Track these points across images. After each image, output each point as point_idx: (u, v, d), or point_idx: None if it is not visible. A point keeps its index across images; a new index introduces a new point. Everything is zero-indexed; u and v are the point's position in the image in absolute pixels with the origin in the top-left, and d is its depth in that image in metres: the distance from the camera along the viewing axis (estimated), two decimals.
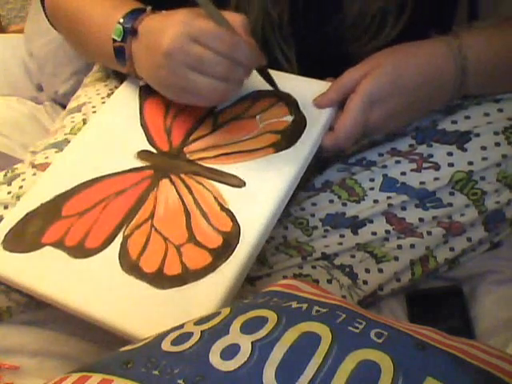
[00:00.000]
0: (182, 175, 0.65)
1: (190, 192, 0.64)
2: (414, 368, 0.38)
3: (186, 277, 0.57)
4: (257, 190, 0.62)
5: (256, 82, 0.70)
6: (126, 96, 0.74)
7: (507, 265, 0.72)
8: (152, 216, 0.62)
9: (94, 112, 0.79)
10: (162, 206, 0.63)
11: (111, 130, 0.71)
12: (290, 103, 0.69)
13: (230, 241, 0.59)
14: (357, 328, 0.41)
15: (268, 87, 0.69)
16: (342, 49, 0.73)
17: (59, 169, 0.69)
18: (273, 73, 0.70)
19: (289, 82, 0.70)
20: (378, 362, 0.38)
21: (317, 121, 0.66)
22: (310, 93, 0.68)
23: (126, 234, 0.61)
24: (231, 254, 0.58)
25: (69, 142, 0.75)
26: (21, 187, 0.72)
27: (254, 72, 0.71)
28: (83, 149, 0.70)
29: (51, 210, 0.65)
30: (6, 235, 0.63)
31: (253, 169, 0.64)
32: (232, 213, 0.61)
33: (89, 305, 0.57)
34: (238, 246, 0.59)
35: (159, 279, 0.58)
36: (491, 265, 0.72)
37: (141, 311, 0.56)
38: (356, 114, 0.64)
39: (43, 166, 0.72)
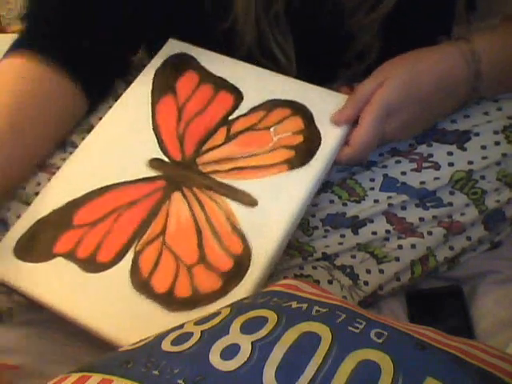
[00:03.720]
0: (195, 189, 0.65)
1: (202, 208, 0.63)
2: (414, 368, 0.38)
3: (196, 300, 0.57)
4: (269, 210, 0.62)
5: (270, 89, 0.70)
6: (138, 96, 0.73)
7: (507, 265, 0.72)
8: (164, 231, 0.62)
9: (96, 112, 0.78)
10: (174, 221, 0.63)
11: (122, 134, 0.70)
12: (306, 116, 0.68)
13: (241, 264, 0.58)
14: (357, 328, 0.41)
15: (282, 97, 0.69)
16: (339, 24, 0.71)
17: (70, 174, 0.68)
18: (289, 80, 0.70)
19: (303, 92, 0.69)
20: (378, 362, 0.38)
21: (332, 137, 0.66)
22: (325, 105, 0.68)
23: (137, 249, 0.61)
24: (242, 279, 0.58)
25: (71, 141, 0.75)
26: (23, 188, 0.71)
27: (269, 78, 0.71)
28: (94, 153, 0.69)
29: (63, 218, 0.64)
30: (17, 242, 0.63)
31: (266, 187, 0.64)
32: (243, 234, 0.61)
33: (98, 321, 0.57)
34: (249, 270, 0.58)
35: (169, 300, 0.57)
36: (491, 265, 0.72)
37: (149, 332, 0.56)
38: (372, 126, 0.63)
39: (45, 167, 0.72)
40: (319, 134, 0.66)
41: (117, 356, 0.44)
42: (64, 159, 0.73)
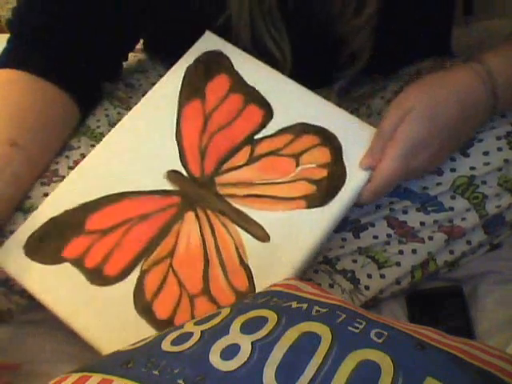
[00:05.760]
0: (209, 212, 0.63)
1: (213, 235, 0.62)
2: (414, 368, 0.38)
3: None
4: (279, 249, 0.60)
5: (303, 110, 0.67)
6: (165, 94, 0.70)
7: (507, 265, 0.72)
8: (172, 253, 0.61)
9: (94, 114, 0.78)
10: (184, 244, 0.62)
11: (143, 138, 0.68)
12: (335, 149, 0.65)
13: None
14: (357, 328, 0.41)
15: (314, 121, 0.66)
16: (329, 28, 0.71)
17: (86, 173, 0.66)
18: (324, 103, 0.68)
19: (336, 120, 0.67)
20: (378, 362, 0.38)
21: (356, 178, 0.63)
22: (356, 138, 0.65)
23: (143, 267, 0.60)
24: None
25: (68, 144, 0.74)
26: None
27: (305, 97, 0.68)
28: (113, 154, 0.67)
29: (75, 221, 0.63)
30: (28, 239, 0.63)
31: (280, 222, 0.62)
32: (250, 270, 0.60)
33: (96, 334, 0.58)
34: None
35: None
36: (491, 265, 0.72)
37: None
38: (396, 162, 0.61)
39: None
40: (345, 171, 0.64)
41: (117, 356, 0.44)
42: (58, 162, 0.72)
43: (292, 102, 0.68)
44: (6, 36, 0.73)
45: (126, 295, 0.59)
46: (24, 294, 0.68)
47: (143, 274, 0.60)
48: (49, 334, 0.68)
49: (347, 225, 0.69)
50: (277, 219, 0.62)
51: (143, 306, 0.58)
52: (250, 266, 0.60)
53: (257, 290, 0.58)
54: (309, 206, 0.62)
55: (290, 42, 0.72)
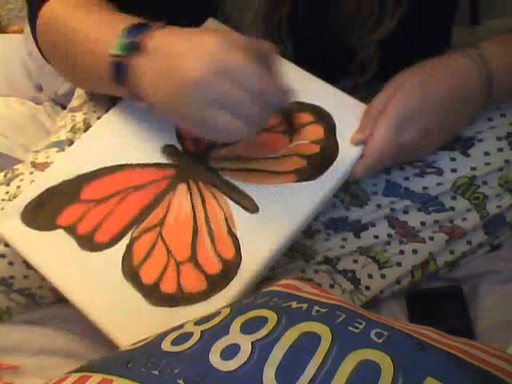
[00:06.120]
0: (200, 183, 0.64)
1: (203, 205, 0.63)
2: (414, 368, 0.38)
3: (179, 298, 0.57)
4: (267, 220, 0.61)
5: (299, 92, 0.65)
6: None
7: (507, 265, 0.72)
8: (162, 222, 0.62)
9: (95, 111, 0.79)
10: (174, 213, 0.63)
11: (142, 114, 0.68)
12: (328, 126, 0.65)
13: (228, 271, 0.58)
14: (357, 328, 0.41)
15: (310, 100, 0.66)
16: (340, 42, 0.71)
17: (85, 146, 0.68)
18: (319, 82, 0.68)
19: (331, 98, 0.67)
20: (378, 362, 0.38)
21: (348, 155, 0.63)
22: (350, 116, 0.65)
23: (134, 235, 0.61)
24: (225, 287, 0.57)
25: (70, 140, 0.75)
26: (18, 187, 0.71)
27: (301, 77, 0.68)
28: (112, 130, 0.69)
29: (71, 190, 0.65)
30: (25, 207, 0.64)
31: (270, 195, 0.62)
32: (237, 240, 0.60)
33: (84, 299, 0.58)
34: (235, 278, 0.58)
35: (154, 294, 0.58)
36: (491, 265, 0.72)
37: (129, 321, 0.56)
38: (386, 135, 0.61)
39: (43, 166, 0.72)
40: (337, 147, 0.64)
41: (117, 356, 0.44)
42: None
43: (290, 82, 0.68)
44: (6, 36, 0.73)
45: (115, 261, 0.60)
46: (24, 292, 0.68)
47: (133, 241, 0.61)
48: (48, 334, 0.68)
49: (348, 225, 0.70)
50: (267, 192, 0.62)
51: (130, 271, 0.59)
52: (238, 236, 0.60)
53: (243, 260, 0.59)
54: (299, 180, 0.63)
55: (296, 51, 0.72)
